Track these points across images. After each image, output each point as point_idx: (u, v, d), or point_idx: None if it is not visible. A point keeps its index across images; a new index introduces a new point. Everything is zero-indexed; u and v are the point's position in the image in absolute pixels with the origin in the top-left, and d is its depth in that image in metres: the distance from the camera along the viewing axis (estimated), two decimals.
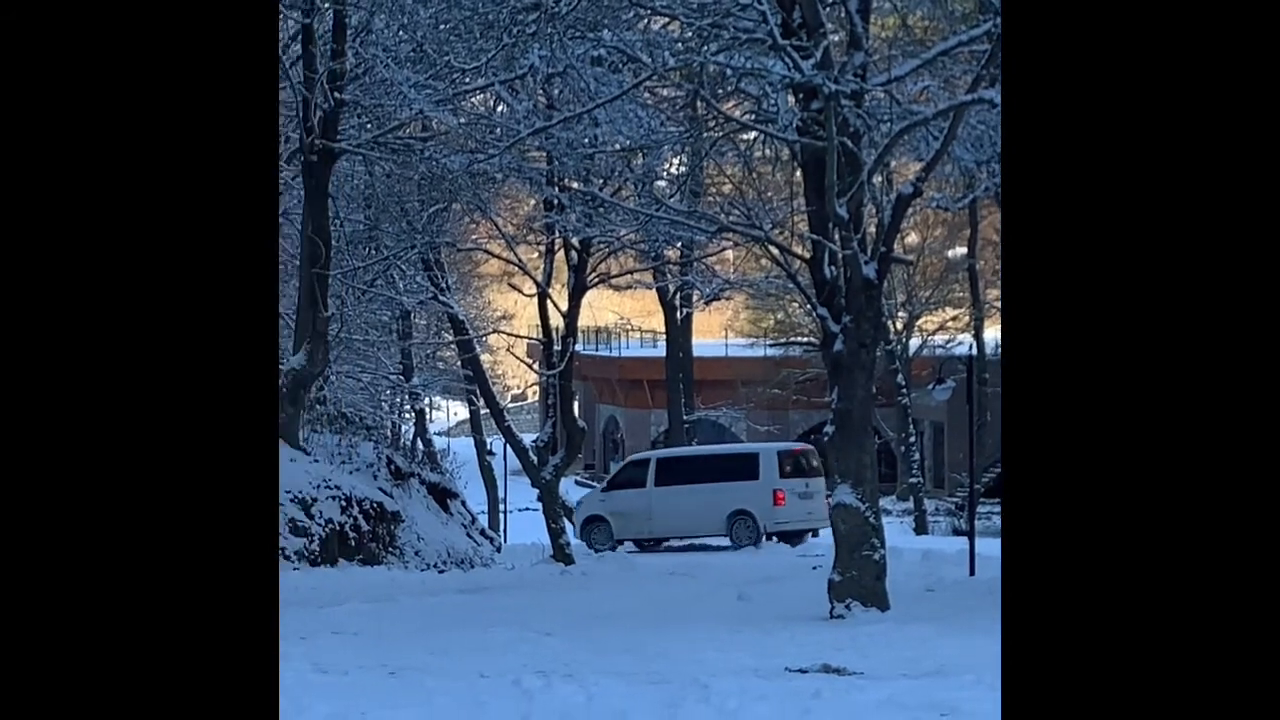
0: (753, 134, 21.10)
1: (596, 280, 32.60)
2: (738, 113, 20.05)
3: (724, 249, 34.54)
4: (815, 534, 34.30)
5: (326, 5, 22.01)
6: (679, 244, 33.26)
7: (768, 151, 22.93)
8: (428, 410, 48.47)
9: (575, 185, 27.62)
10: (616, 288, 40.52)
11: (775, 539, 34.11)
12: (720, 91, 19.10)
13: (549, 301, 31.32)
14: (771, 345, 54.59)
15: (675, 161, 27.82)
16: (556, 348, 30.85)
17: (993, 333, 51.34)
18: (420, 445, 41.50)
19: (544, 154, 26.28)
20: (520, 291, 35.89)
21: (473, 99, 25.18)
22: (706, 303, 44.40)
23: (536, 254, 33.94)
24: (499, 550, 29.29)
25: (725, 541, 34.25)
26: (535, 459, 30.54)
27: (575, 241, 30.13)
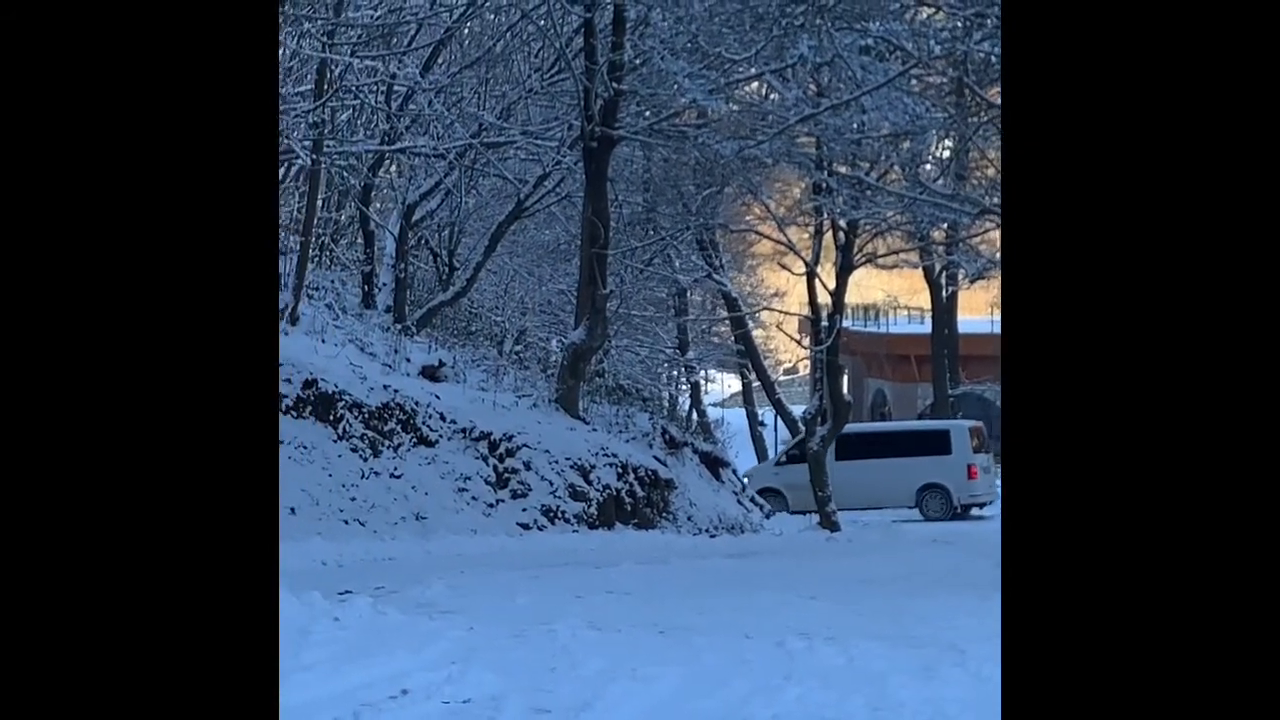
0: None
1: (863, 260, 32.45)
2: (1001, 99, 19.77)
3: (988, 229, 34.08)
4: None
5: (608, 0, 22.21)
6: (944, 225, 32.94)
7: None
8: (702, 383, 48.65)
9: (843, 169, 27.50)
10: (883, 267, 40.24)
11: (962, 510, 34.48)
12: (984, 78, 18.87)
13: (817, 280, 31.27)
14: None
15: (940, 146, 27.52)
16: (824, 324, 30.78)
17: None
18: (694, 416, 41.72)
19: (813, 140, 26.21)
20: (790, 271, 35.88)
21: (744, 88, 25.23)
22: (971, 281, 43.87)
23: (806, 235, 33.86)
24: (768, 517, 29.30)
25: (914, 514, 34.21)
26: (805, 429, 30.50)
27: (843, 223, 30.02)
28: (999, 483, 36.79)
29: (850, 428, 38.89)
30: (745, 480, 33.46)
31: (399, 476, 19.23)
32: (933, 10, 19.11)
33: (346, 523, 17.90)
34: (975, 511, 35.06)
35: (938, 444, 34.93)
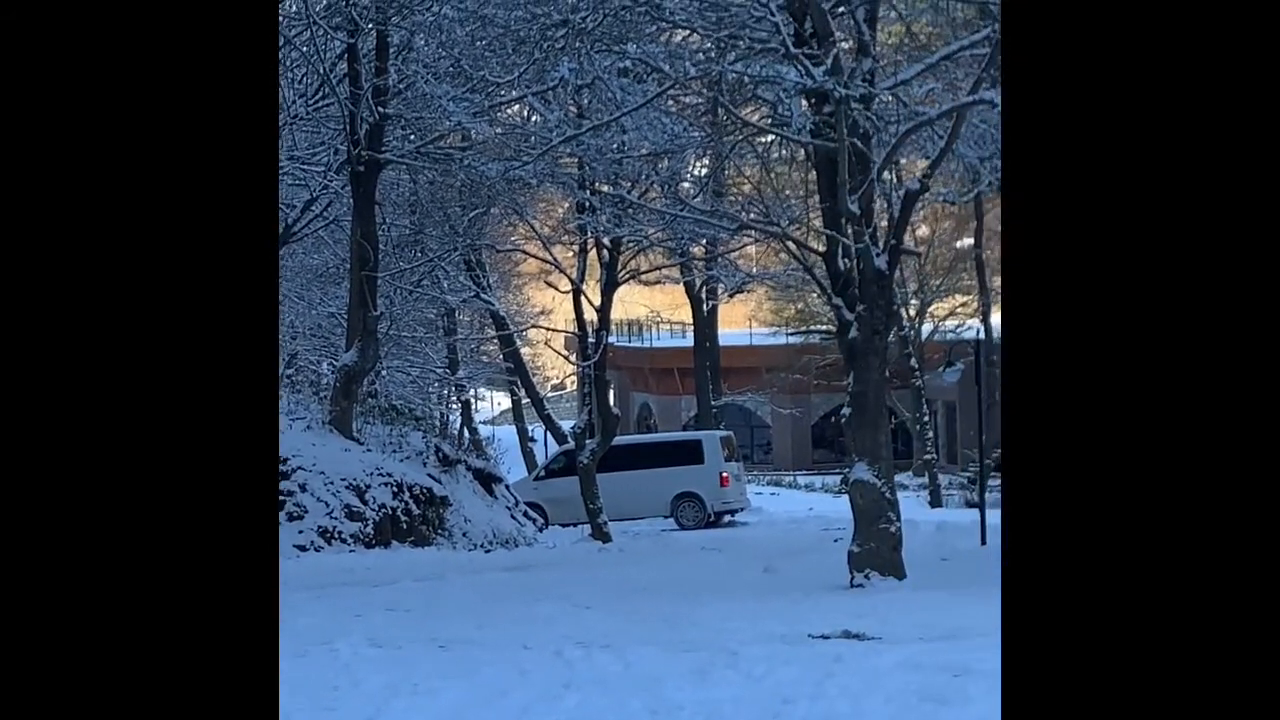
0: (770, 137, 21.10)
1: (627, 276, 32.63)
2: (755, 117, 20.04)
3: (745, 245, 34.54)
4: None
5: (370, 26, 22.06)
6: (703, 241, 33.25)
7: (784, 153, 22.94)
8: (473, 401, 48.51)
9: (605, 188, 27.62)
10: (646, 283, 40.48)
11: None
12: (738, 98, 19.10)
13: (583, 297, 31.38)
14: (792, 334, 54.49)
15: (698, 164, 27.79)
16: (591, 340, 30.90)
17: (998, 318, 51.20)
18: (466, 433, 41.58)
19: (575, 160, 26.31)
20: (556, 289, 35.94)
21: (508, 110, 25.22)
22: (730, 295, 44.43)
23: (571, 253, 33.97)
24: (541, 530, 29.31)
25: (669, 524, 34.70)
26: (573, 444, 30.56)
27: (606, 241, 30.18)
28: (748, 490, 37.50)
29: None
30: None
31: None
32: (687, 33, 19.28)
33: None
34: (729, 519, 35.49)
35: (690, 454, 35.35)
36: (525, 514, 29.18)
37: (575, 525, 33.42)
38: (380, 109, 22.18)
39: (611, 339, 33.68)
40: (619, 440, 38.68)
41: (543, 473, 35.36)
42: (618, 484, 33.92)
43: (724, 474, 35.04)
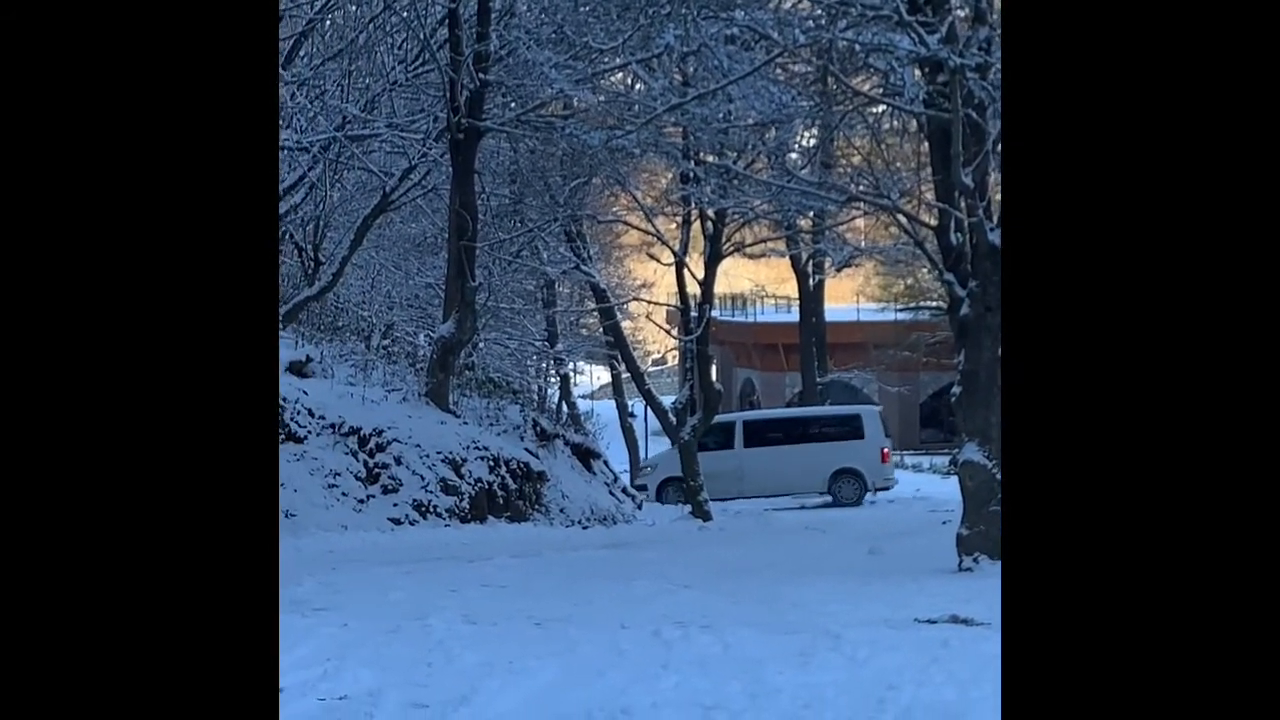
0: (881, 107, 20.97)
1: (731, 249, 32.59)
2: (866, 87, 19.93)
3: (854, 218, 34.36)
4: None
5: None
6: (811, 213, 33.17)
7: (895, 124, 22.79)
8: (572, 375, 48.63)
9: (710, 159, 27.58)
10: (751, 256, 40.48)
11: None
12: (849, 67, 18.99)
13: (686, 270, 31.38)
14: (901, 310, 54.27)
15: (806, 135, 27.67)
16: (694, 314, 30.91)
17: None
18: (565, 408, 41.69)
19: (680, 129, 26.26)
20: (659, 261, 35.96)
21: (611, 78, 25.22)
22: (838, 269, 44.27)
23: (674, 225, 33.95)
24: (640, 507, 29.37)
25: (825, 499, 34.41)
26: (674, 420, 30.60)
27: (711, 212, 30.16)
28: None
29: (759, 413, 39.00)
30: (649, 468, 33.36)
31: None
32: None
33: None
34: (874, 497, 35.21)
35: (850, 429, 35.09)
36: (624, 490, 29.25)
37: (725, 500, 33.40)
38: (481, 75, 22.23)
39: (714, 313, 33.65)
40: (772, 413, 38.61)
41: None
42: (773, 459, 33.87)
43: (884, 449, 34.83)
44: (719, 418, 36.61)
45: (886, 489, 35.21)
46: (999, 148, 17.34)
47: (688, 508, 29.52)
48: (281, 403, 19.92)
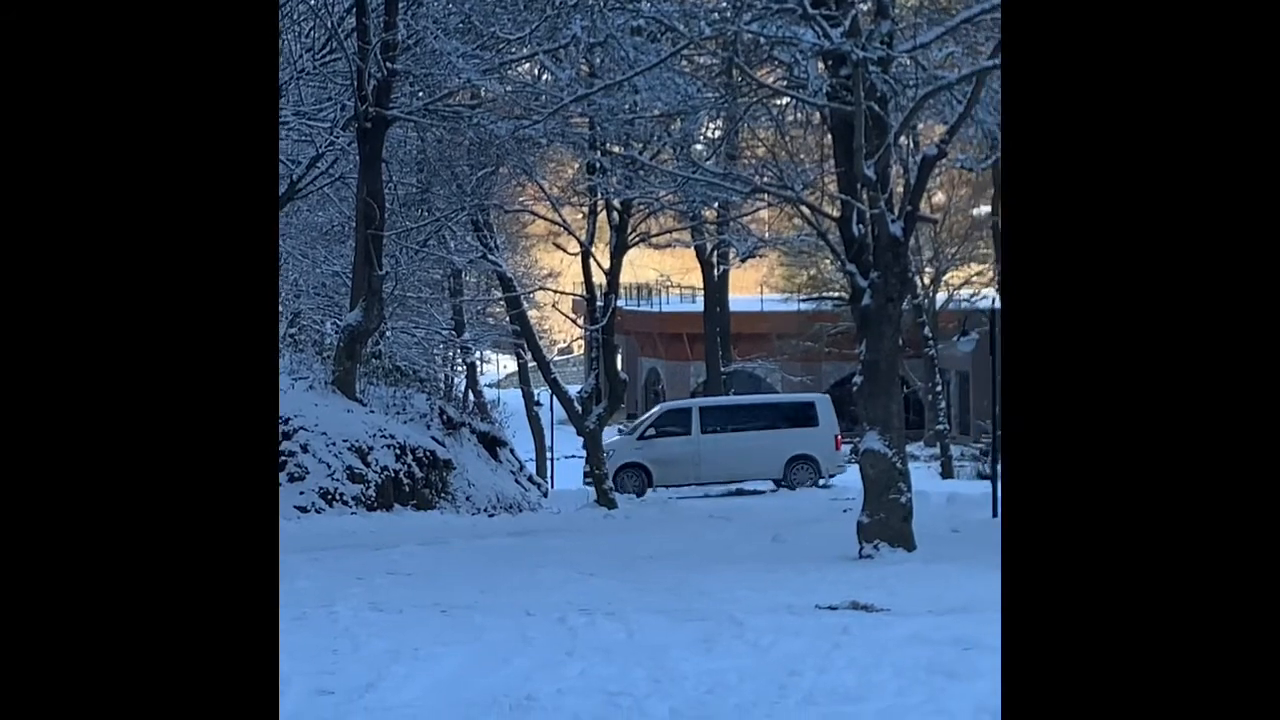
0: (785, 99, 21.05)
1: (637, 239, 32.63)
2: (770, 79, 20.00)
3: (758, 209, 34.50)
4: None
5: None
6: (715, 204, 33.25)
7: (799, 116, 22.90)
8: (478, 363, 48.52)
9: (616, 149, 27.58)
10: (656, 246, 40.51)
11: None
12: (754, 59, 19.05)
13: (592, 260, 31.40)
14: (804, 300, 54.51)
15: (711, 126, 27.76)
16: (599, 303, 30.92)
17: None
18: (471, 396, 41.62)
19: (586, 120, 26.24)
20: (565, 251, 35.95)
21: (518, 68, 25.15)
22: (742, 260, 44.40)
23: (580, 215, 33.95)
24: (545, 495, 29.35)
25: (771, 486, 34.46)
26: (580, 409, 30.61)
27: (617, 203, 30.17)
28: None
29: (715, 400, 39.02)
30: (607, 454, 33.34)
31: None
32: None
33: None
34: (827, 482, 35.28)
35: (804, 416, 35.19)
36: (530, 479, 29.21)
37: (682, 487, 33.32)
38: (388, 65, 22.11)
39: (620, 303, 33.67)
40: (730, 400, 38.60)
41: (652, 431, 35.06)
42: (729, 445, 33.86)
43: (837, 436, 34.96)
44: (675, 404, 36.65)
45: (837, 474, 35.39)
46: (900, 140, 17.46)
47: (650, 493, 29.40)
48: None
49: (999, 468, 25.14)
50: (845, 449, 34.93)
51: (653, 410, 37.58)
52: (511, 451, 29.37)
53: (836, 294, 47.87)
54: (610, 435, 33.72)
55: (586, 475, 31.62)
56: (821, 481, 34.68)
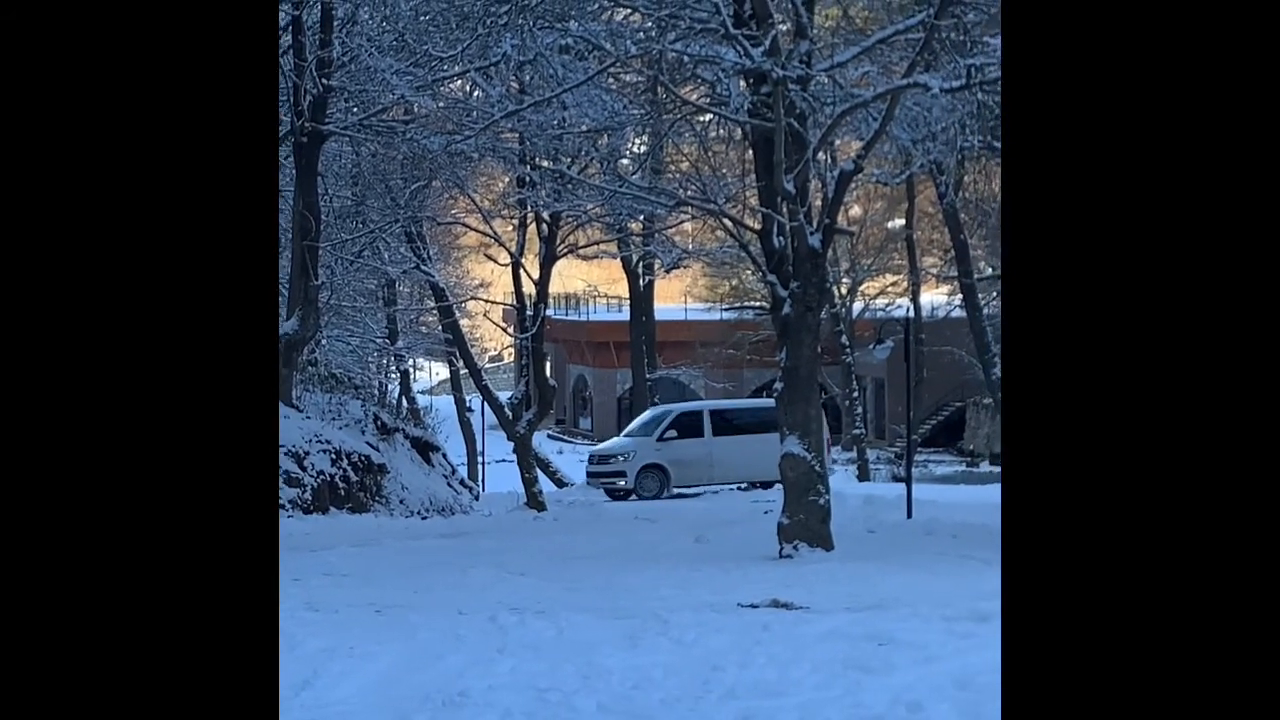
0: (708, 116, 21.09)
1: (566, 251, 32.57)
2: (694, 96, 20.03)
3: (682, 221, 34.52)
4: None
5: None
6: (641, 217, 33.21)
7: (721, 132, 22.94)
8: (411, 371, 48.32)
9: (545, 163, 27.55)
10: (584, 257, 40.44)
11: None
12: (678, 77, 19.08)
13: (522, 270, 31.36)
14: (726, 309, 54.58)
15: (637, 141, 27.79)
16: (529, 313, 30.88)
17: (928, 297, 51.46)
18: (405, 403, 41.43)
19: (516, 135, 26.20)
20: (495, 261, 35.83)
21: (450, 85, 25.07)
22: (667, 271, 44.30)
23: (510, 227, 33.88)
24: (477, 498, 29.27)
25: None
26: (510, 415, 30.54)
27: (546, 215, 30.14)
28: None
29: (725, 403, 38.94)
30: (622, 457, 33.26)
31: None
32: (629, 11, 19.26)
33: None
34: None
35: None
36: (462, 482, 29.12)
37: (699, 488, 33.22)
38: (324, 81, 22.03)
39: (549, 312, 33.62)
40: (739, 404, 38.49)
41: (672, 434, 34.94)
42: (739, 447, 33.73)
43: (828, 440, 35.01)
44: (687, 406, 36.52)
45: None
46: (818, 155, 17.54)
47: (665, 493, 29.41)
48: None
49: (912, 470, 25.28)
50: (835, 451, 34.84)
51: (663, 411, 37.19)
52: (444, 456, 29.28)
53: (758, 303, 47.88)
54: (539, 439, 33.65)
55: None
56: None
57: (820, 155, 18.06)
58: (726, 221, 19.40)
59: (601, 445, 37.79)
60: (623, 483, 33.28)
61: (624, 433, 37.18)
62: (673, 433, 34.50)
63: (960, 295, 34.71)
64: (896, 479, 38.57)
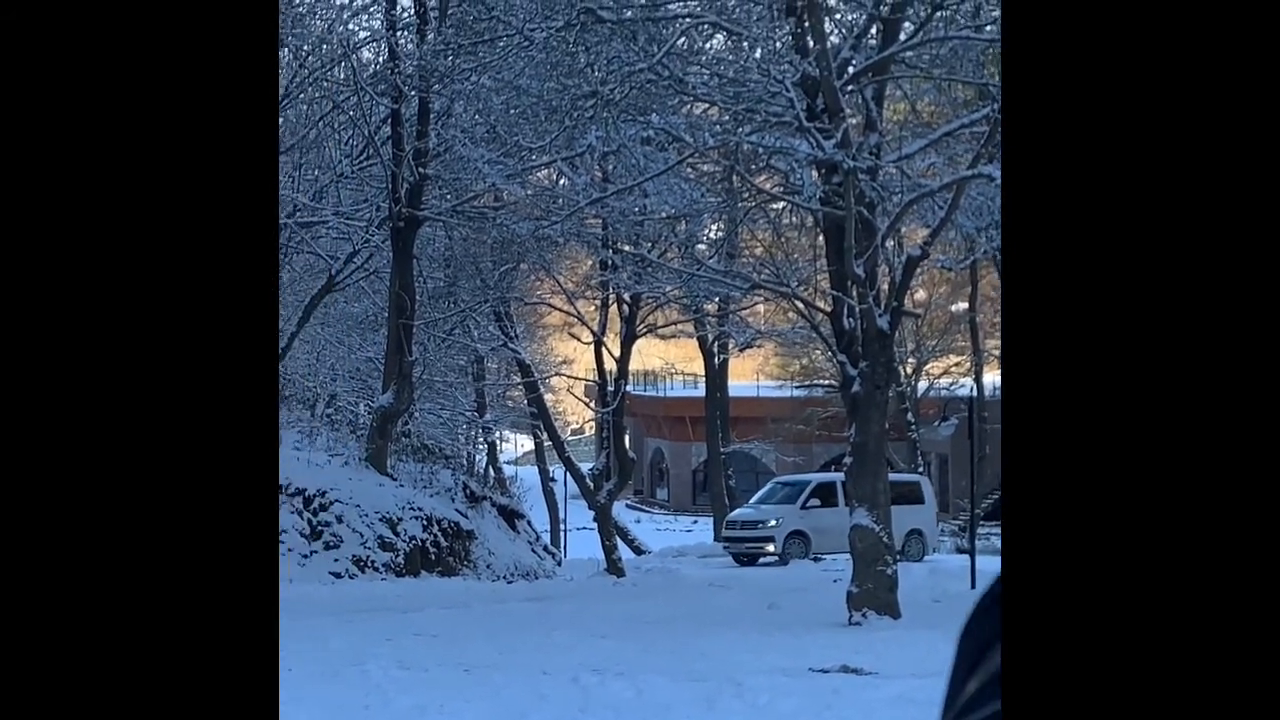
0: (781, 204, 21.16)
1: (645, 330, 32.67)
2: (768, 185, 20.09)
3: (756, 303, 34.57)
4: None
5: (413, 93, 22.16)
6: (717, 299, 33.27)
7: (794, 219, 22.98)
8: (498, 442, 48.46)
9: (627, 248, 27.69)
10: (662, 336, 40.51)
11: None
12: (753, 167, 19.16)
13: (604, 348, 31.45)
14: (797, 387, 54.42)
15: (714, 227, 27.84)
16: (610, 388, 30.93)
17: (991, 377, 51.14)
18: (492, 472, 41.50)
19: (600, 221, 26.36)
20: (579, 340, 35.97)
21: (538, 173, 25.29)
22: (741, 350, 44.29)
23: (593, 307, 34.01)
24: (560, 564, 29.22)
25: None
26: (591, 485, 30.54)
27: (627, 296, 30.27)
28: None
29: (836, 476, 39.01)
30: (773, 523, 33.25)
31: None
32: (707, 106, 19.36)
33: None
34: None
35: (913, 494, 35.19)
36: (546, 548, 29.07)
37: (835, 554, 33.23)
38: (420, 170, 22.26)
39: (629, 388, 33.67)
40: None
41: (816, 503, 34.70)
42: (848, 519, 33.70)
43: (937, 513, 35.09)
44: (822, 477, 36.52)
45: (939, 549, 35.51)
46: (886, 242, 17.52)
47: (817, 560, 29.40)
48: None
49: (976, 542, 25.04)
50: (941, 526, 34.87)
51: (793, 481, 37.09)
52: (529, 523, 29.28)
53: (827, 381, 47.79)
54: (619, 509, 33.54)
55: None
56: (926, 556, 34.49)
57: (888, 242, 18.06)
58: (799, 303, 19.41)
59: (737, 513, 37.63)
60: (771, 547, 33.38)
61: (752, 502, 37.12)
62: (815, 501, 34.47)
63: None
64: (960, 550, 38.16)
